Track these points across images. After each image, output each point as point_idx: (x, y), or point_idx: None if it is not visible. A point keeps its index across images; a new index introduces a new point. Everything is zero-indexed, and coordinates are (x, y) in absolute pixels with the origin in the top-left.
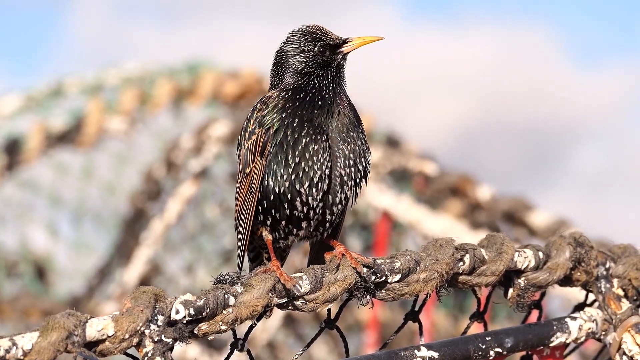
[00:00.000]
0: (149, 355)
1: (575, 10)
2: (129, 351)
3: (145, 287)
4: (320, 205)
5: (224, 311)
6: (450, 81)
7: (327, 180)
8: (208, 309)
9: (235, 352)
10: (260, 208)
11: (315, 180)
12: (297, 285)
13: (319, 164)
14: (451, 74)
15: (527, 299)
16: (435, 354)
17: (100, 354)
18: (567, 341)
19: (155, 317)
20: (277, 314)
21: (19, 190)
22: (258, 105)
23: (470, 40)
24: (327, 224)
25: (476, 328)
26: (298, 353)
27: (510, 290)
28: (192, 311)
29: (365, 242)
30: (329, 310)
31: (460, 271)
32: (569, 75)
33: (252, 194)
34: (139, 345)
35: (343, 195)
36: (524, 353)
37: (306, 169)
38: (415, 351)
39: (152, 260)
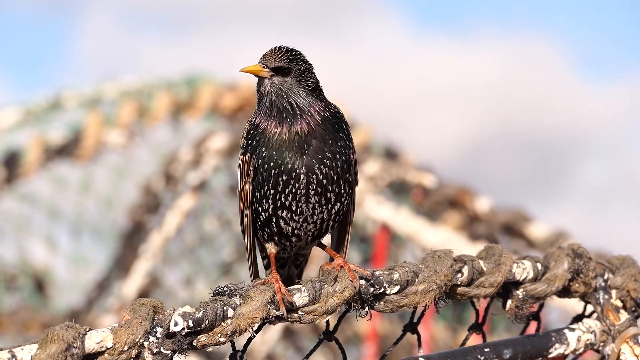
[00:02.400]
0: None
1: (583, 24)
2: None
3: (144, 299)
4: (305, 225)
5: (222, 323)
6: (458, 93)
7: (304, 206)
8: (207, 321)
9: None
10: (256, 224)
11: (293, 208)
12: (291, 301)
13: (291, 195)
14: (458, 86)
15: (526, 310)
16: None
17: None
18: (566, 352)
19: (154, 329)
20: (276, 327)
21: (17, 204)
22: (247, 124)
23: (478, 52)
24: (321, 236)
25: (475, 340)
26: None
27: (509, 302)
28: (190, 323)
29: (364, 254)
30: (327, 322)
31: (459, 283)
32: (576, 88)
33: (246, 213)
34: (137, 358)
35: (322, 216)
36: None
37: (282, 200)
38: None
39: (151, 273)
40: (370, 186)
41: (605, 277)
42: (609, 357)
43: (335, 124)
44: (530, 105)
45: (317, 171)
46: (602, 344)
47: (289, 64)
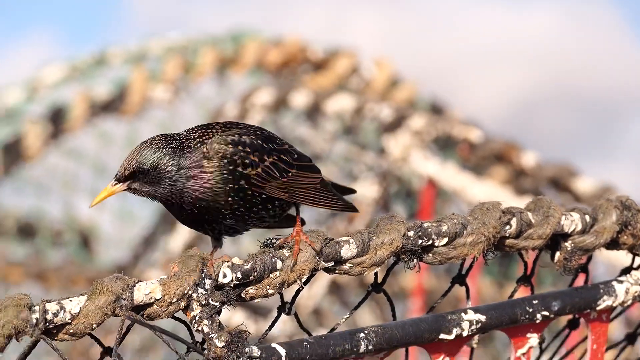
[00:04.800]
0: (197, 318)
1: None
2: (176, 315)
3: (193, 250)
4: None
5: (271, 275)
6: (510, 51)
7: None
8: (255, 273)
9: (282, 318)
10: None
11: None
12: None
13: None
14: (511, 44)
15: (574, 262)
16: (482, 317)
17: (148, 317)
18: (614, 304)
19: (203, 281)
20: (323, 281)
21: (63, 159)
22: None
23: (532, 10)
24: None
25: (523, 292)
26: (345, 317)
27: (557, 254)
28: (239, 275)
29: (409, 209)
30: (376, 274)
31: (507, 235)
32: (630, 48)
33: None
34: (186, 309)
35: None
36: (570, 317)
37: None
38: (463, 314)
39: None
40: (416, 141)
41: None
42: None
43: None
44: (582, 64)
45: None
46: None
47: (139, 165)
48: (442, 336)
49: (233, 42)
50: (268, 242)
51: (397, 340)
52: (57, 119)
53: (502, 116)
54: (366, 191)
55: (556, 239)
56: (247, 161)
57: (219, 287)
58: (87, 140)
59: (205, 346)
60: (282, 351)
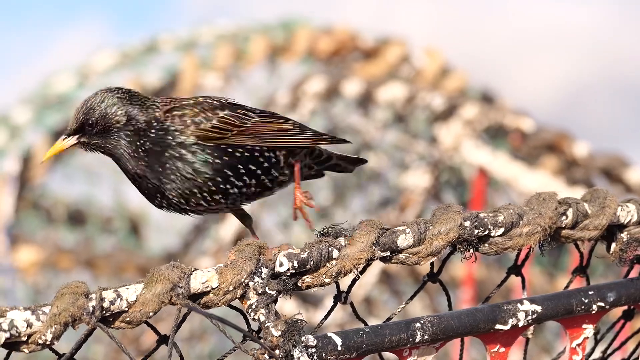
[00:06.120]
0: (253, 307)
1: None
2: (232, 303)
3: (249, 239)
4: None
5: (327, 264)
6: (560, 39)
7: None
8: (312, 262)
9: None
10: None
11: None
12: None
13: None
14: (563, 32)
15: (630, 253)
16: (538, 308)
17: (204, 306)
18: None
19: (259, 270)
20: (374, 270)
21: None
22: None
23: None
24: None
25: (576, 283)
26: (400, 306)
27: (613, 245)
28: (295, 264)
29: (460, 199)
30: (432, 264)
31: (563, 225)
32: None
33: None
34: (242, 298)
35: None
36: (625, 308)
37: None
38: (518, 305)
39: None
40: (468, 130)
41: None
42: None
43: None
44: (636, 55)
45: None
46: None
47: (87, 116)
48: (498, 326)
49: (284, 30)
50: (324, 231)
51: (453, 330)
52: None
53: (552, 106)
54: (417, 180)
55: (612, 230)
56: (203, 116)
57: (275, 275)
58: None
59: (261, 335)
60: (338, 340)
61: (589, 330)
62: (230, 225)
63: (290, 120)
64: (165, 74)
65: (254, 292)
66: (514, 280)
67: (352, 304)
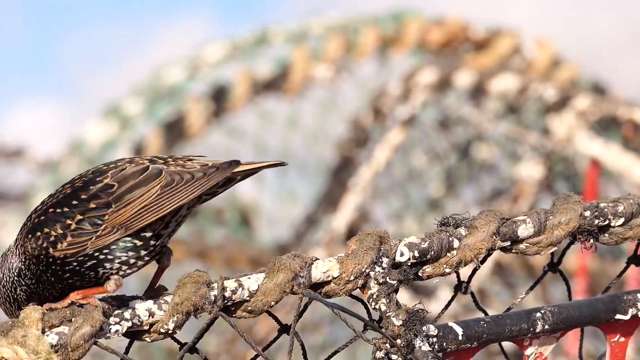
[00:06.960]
0: (374, 296)
1: None
2: (353, 293)
3: (370, 229)
4: None
5: (448, 254)
6: None
7: None
8: (432, 252)
9: (442, 297)
10: None
11: None
12: None
13: None
14: None
15: None
16: None
17: (325, 295)
18: None
19: (380, 259)
20: (488, 261)
21: (225, 138)
22: None
23: None
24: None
25: None
26: (521, 296)
27: None
28: (416, 253)
29: (573, 190)
30: (552, 254)
31: None
32: None
33: None
34: (363, 287)
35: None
36: None
37: None
38: (638, 295)
39: (360, 208)
40: (581, 121)
41: None
42: None
43: None
44: None
45: None
46: None
47: None
48: (618, 316)
49: (394, 22)
50: (444, 220)
51: (574, 320)
52: (219, 98)
53: None
54: (530, 172)
55: None
56: (51, 240)
57: (396, 265)
58: (248, 119)
59: (382, 324)
60: (459, 330)
61: None
62: (342, 216)
63: (151, 181)
64: (276, 65)
65: (375, 282)
66: (627, 271)
67: (472, 294)
